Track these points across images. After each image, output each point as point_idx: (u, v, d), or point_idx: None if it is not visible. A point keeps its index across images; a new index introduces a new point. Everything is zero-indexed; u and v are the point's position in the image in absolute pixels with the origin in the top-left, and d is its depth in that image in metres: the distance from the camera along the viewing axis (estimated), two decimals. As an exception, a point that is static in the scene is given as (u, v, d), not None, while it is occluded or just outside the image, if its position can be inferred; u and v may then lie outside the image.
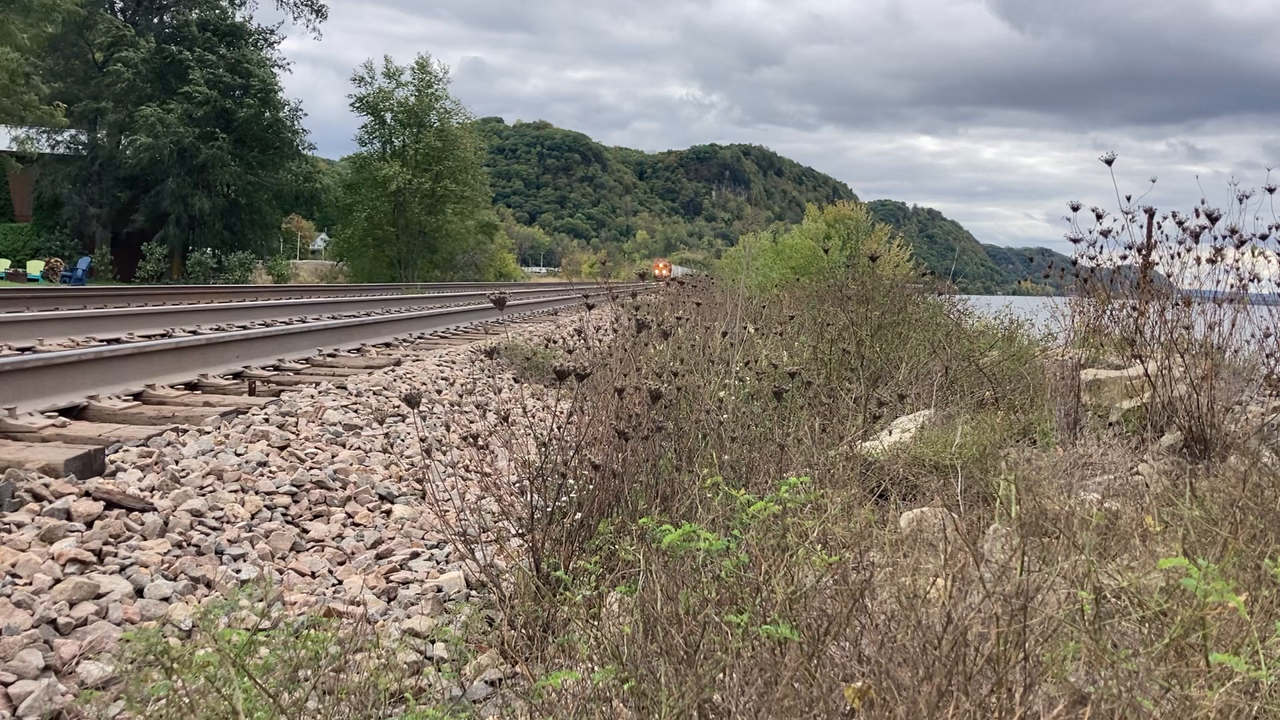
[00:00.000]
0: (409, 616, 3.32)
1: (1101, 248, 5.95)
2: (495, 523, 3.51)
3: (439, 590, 3.55)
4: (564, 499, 3.11)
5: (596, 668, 1.85)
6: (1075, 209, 5.66)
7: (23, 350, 7.61)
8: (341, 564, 3.83)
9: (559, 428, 3.28)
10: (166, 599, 3.16)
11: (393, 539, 4.12)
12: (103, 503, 3.61)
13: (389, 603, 3.49)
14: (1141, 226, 5.97)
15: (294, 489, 4.34)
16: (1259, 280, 4.50)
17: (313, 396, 5.98)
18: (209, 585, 3.35)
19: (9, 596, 2.88)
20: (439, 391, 7.31)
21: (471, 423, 6.66)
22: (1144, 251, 6.04)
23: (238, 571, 3.49)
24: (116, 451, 4.28)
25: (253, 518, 3.97)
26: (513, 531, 3.33)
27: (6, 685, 2.52)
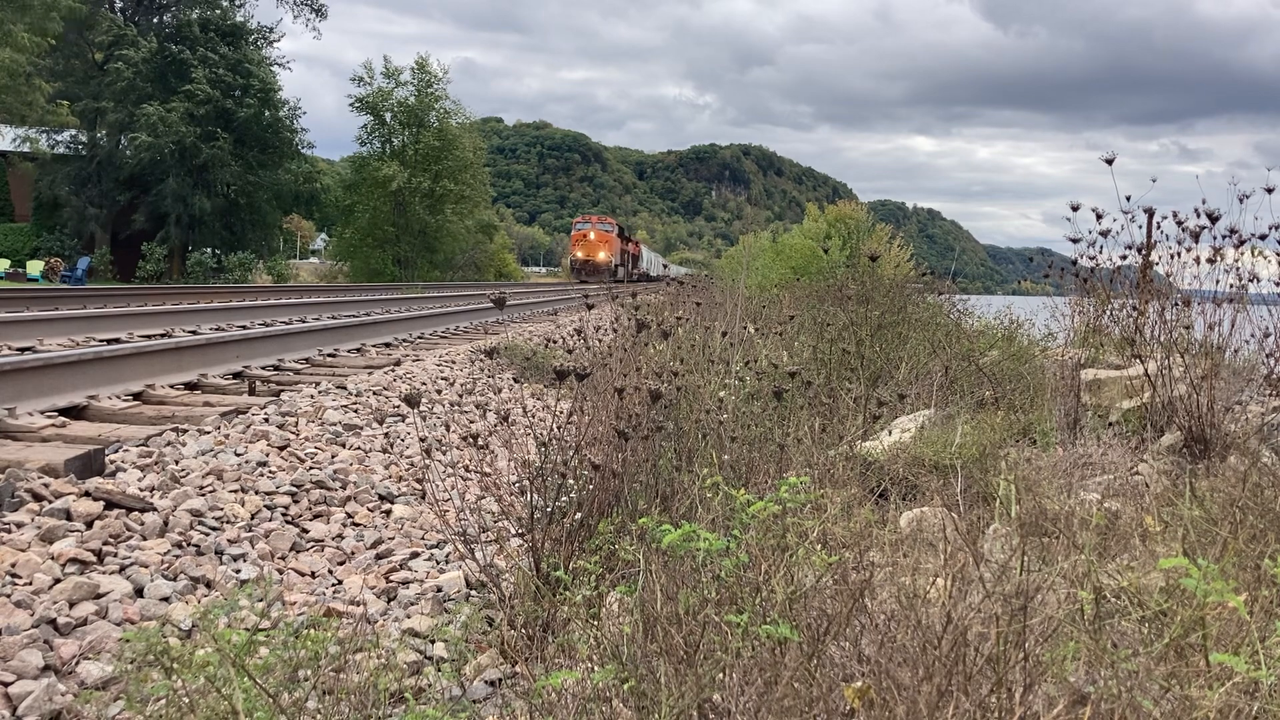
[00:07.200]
0: (409, 616, 3.32)
1: (1101, 248, 5.95)
2: (495, 523, 3.51)
3: (439, 590, 3.55)
4: (564, 499, 3.11)
5: (596, 668, 1.85)
6: (1075, 209, 5.65)
7: (23, 350, 7.61)
8: (341, 564, 3.83)
9: (559, 428, 3.28)
10: (166, 599, 3.16)
11: (393, 539, 4.12)
12: (102, 503, 3.61)
13: (389, 603, 3.49)
14: (1141, 226, 5.97)
15: (294, 489, 4.34)
16: (1258, 280, 4.50)
17: (313, 396, 5.98)
18: (209, 585, 3.35)
19: (9, 596, 2.88)
20: (439, 391, 7.31)
21: (471, 423, 6.66)
22: (1144, 251, 6.04)
23: (238, 571, 3.49)
24: (116, 451, 4.27)
25: (253, 518, 3.97)
26: (513, 531, 3.33)
27: (6, 685, 2.52)
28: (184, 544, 3.54)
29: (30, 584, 2.99)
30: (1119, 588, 1.86)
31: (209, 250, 34.55)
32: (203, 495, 3.98)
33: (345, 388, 6.45)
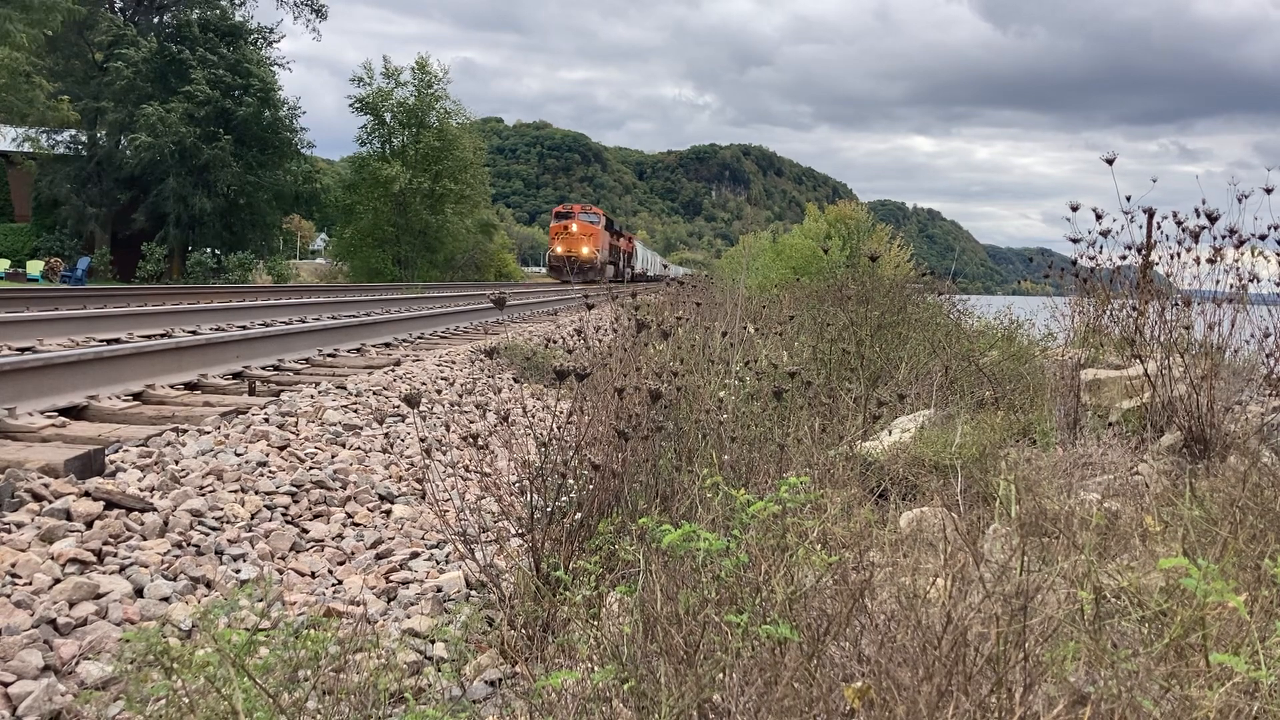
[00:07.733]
0: (409, 616, 3.32)
1: (1101, 248, 5.95)
2: (495, 523, 3.51)
3: (439, 590, 3.56)
4: (564, 499, 3.11)
5: (596, 668, 1.85)
6: (1075, 209, 5.65)
7: (23, 350, 7.61)
8: (341, 564, 3.83)
9: (559, 428, 3.28)
10: (166, 599, 3.16)
11: (393, 539, 4.12)
12: (102, 503, 3.61)
13: (389, 603, 3.49)
14: (1141, 226, 5.97)
15: (294, 489, 4.34)
16: (1258, 280, 4.50)
17: (312, 396, 5.98)
18: (209, 585, 3.35)
19: (9, 596, 2.88)
20: (439, 391, 7.31)
21: (471, 423, 6.66)
22: (1144, 251, 6.04)
23: (238, 571, 3.49)
24: (116, 451, 4.27)
25: (252, 518, 3.97)
26: (513, 531, 3.33)
27: (6, 685, 2.52)
28: (184, 544, 3.54)
29: (30, 584, 2.99)
30: (1119, 588, 1.86)
31: (209, 250, 34.54)
32: (203, 495, 3.98)
33: (345, 388, 6.45)
